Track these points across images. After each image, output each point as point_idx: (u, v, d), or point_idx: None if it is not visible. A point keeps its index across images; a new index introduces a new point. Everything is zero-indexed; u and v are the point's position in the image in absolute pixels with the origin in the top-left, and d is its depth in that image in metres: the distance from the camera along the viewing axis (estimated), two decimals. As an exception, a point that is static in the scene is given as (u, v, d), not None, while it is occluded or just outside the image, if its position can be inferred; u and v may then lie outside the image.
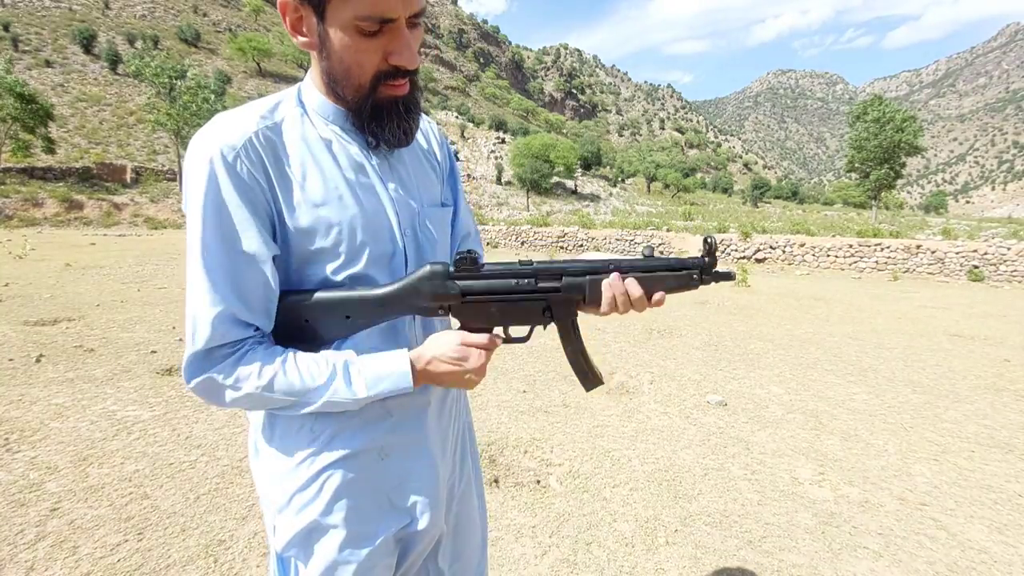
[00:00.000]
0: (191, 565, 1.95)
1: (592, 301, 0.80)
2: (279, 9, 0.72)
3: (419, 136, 0.93)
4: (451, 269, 0.79)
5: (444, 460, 0.90)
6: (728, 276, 0.81)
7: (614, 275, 0.78)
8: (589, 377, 0.89)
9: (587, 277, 0.80)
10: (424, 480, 0.85)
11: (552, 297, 0.81)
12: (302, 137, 0.76)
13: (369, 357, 0.76)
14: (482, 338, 0.78)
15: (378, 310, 0.78)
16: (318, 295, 0.76)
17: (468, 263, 0.79)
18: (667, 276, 0.80)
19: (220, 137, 0.70)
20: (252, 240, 0.70)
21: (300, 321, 0.77)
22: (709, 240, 0.80)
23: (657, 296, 0.79)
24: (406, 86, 0.76)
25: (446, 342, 0.78)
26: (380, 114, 0.76)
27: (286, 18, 0.72)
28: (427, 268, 0.78)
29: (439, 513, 0.87)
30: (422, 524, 0.85)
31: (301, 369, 0.73)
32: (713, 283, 0.81)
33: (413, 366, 0.76)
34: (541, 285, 0.80)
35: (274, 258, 0.73)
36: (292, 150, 0.74)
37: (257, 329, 0.74)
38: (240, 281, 0.70)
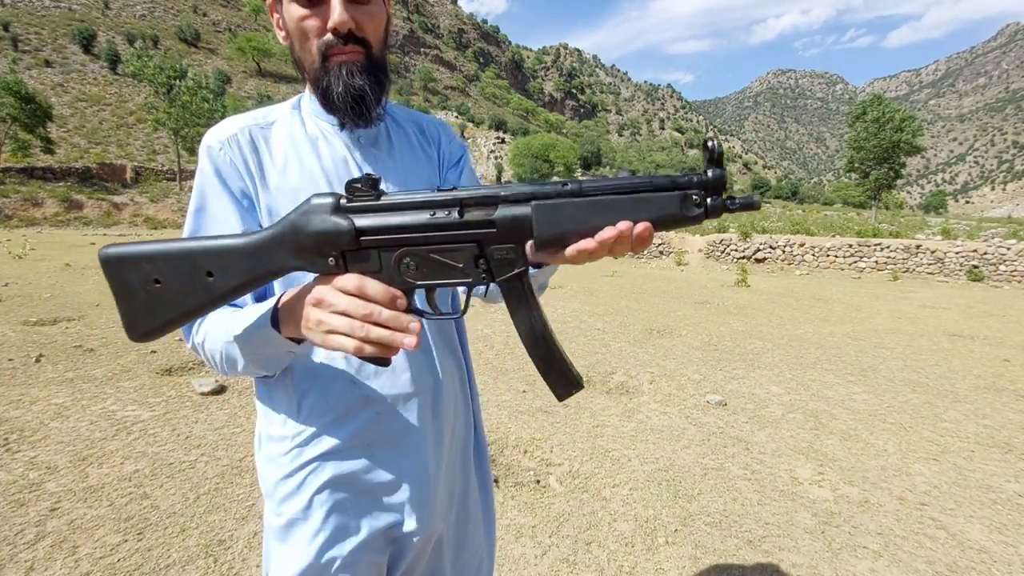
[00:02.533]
0: (191, 565, 1.95)
1: (547, 241, 0.56)
2: (269, 12, 0.83)
3: (418, 132, 0.94)
4: (343, 201, 0.59)
5: (440, 458, 0.88)
6: (751, 205, 0.53)
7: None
8: (563, 375, 0.62)
9: (533, 203, 0.55)
10: (414, 479, 0.83)
11: (485, 237, 0.57)
12: (289, 134, 0.82)
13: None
14: (352, 280, 0.57)
15: (250, 265, 0.61)
16: (163, 245, 0.62)
17: (366, 187, 0.58)
18: (653, 198, 0.54)
19: (213, 134, 0.80)
20: (225, 215, 0.77)
21: (147, 282, 0.62)
22: (711, 144, 0.53)
23: (639, 229, 0.54)
24: (355, 54, 0.77)
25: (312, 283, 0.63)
26: (329, 82, 0.77)
27: (273, 17, 0.81)
28: (311, 199, 0.60)
29: (431, 513, 0.85)
30: (411, 525, 0.83)
31: (227, 316, 0.71)
32: (726, 214, 0.54)
33: (279, 310, 0.66)
34: (469, 218, 0.57)
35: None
36: (277, 145, 0.81)
37: None
38: None
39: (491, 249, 0.58)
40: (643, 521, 2.35)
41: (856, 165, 33.84)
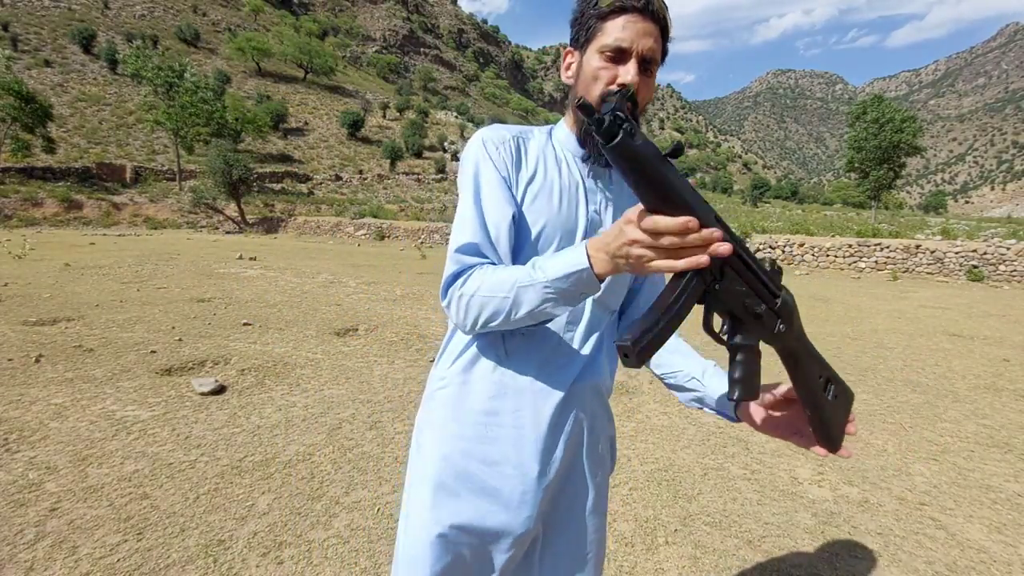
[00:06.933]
0: (191, 565, 1.95)
1: None
2: (563, 56, 1.00)
3: None
4: None
5: (543, 462, 0.97)
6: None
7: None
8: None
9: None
10: (508, 479, 0.95)
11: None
12: (541, 150, 1.00)
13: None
14: (647, 221, 0.66)
15: None
16: None
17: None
18: None
19: (488, 133, 0.98)
20: (498, 199, 0.93)
21: None
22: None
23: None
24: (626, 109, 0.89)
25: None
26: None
27: (563, 62, 1.00)
28: None
29: (520, 513, 0.96)
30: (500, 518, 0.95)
31: (507, 271, 0.85)
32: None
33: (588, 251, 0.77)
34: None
35: (513, 218, 0.93)
36: (531, 157, 0.99)
37: (488, 259, 0.90)
38: (486, 224, 0.91)
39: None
40: (643, 521, 2.35)
41: (856, 165, 33.77)
